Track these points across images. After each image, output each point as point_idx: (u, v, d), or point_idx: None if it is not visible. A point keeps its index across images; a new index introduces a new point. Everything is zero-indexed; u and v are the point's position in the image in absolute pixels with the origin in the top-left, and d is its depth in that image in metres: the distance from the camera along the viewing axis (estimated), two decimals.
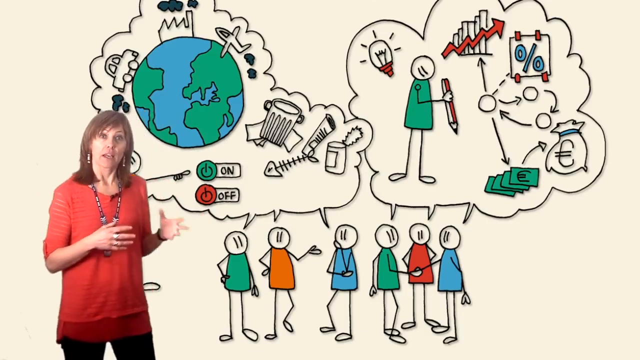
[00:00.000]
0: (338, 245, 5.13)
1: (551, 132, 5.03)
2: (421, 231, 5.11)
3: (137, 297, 3.69)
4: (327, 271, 5.15)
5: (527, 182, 5.05)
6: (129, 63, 5.11)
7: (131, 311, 3.64)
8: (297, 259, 5.14)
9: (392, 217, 5.12)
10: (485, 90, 5.05)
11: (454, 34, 5.05)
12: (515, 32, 5.02)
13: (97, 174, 3.61)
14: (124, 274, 3.62)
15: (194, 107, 5.09)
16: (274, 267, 5.15)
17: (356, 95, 5.09)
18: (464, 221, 5.09)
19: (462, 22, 5.04)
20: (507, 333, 5.08)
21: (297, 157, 5.11)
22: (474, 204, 5.08)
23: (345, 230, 5.12)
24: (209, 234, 5.09)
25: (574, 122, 5.02)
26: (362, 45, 5.07)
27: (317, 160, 5.11)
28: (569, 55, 5.01)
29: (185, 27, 5.10)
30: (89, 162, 3.60)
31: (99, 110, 5.10)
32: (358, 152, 5.10)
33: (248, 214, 5.12)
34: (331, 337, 5.15)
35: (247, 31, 5.09)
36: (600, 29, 4.98)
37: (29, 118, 5.14)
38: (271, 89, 5.10)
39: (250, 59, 5.09)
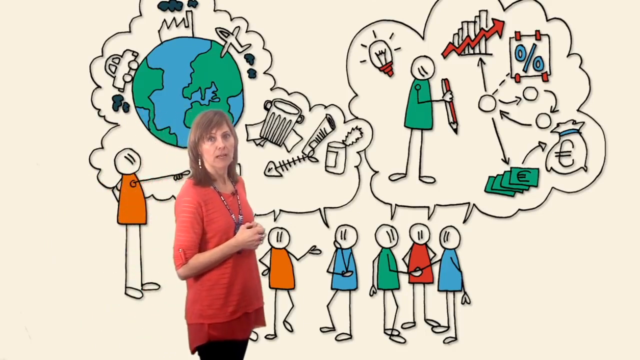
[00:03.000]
0: (338, 245, 5.13)
1: (551, 132, 5.03)
2: (421, 231, 5.11)
3: (261, 289, 3.81)
4: (327, 271, 5.15)
5: (527, 182, 5.05)
6: (129, 63, 5.11)
7: (258, 305, 3.77)
8: (297, 259, 5.14)
9: (392, 217, 5.12)
10: (485, 90, 5.05)
11: (454, 34, 5.04)
12: (515, 32, 5.02)
13: (213, 175, 3.67)
14: (252, 270, 3.71)
15: (194, 107, 5.09)
16: (274, 267, 5.15)
17: (356, 95, 5.09)
18: (464, 221, 5.09)
19: (462, 22, 5.04)
20: (507, 333, 5.08)
21: (297, 157, 5.11)
22: (474, 204, 5.08)
23: (345, 230, 5.12)
24: None
25: (574, 122, 5.02)
26: (362, 45, 5.07)
27: (317, 160, 5.11)
28: (569, 55, 5.00)
29: (185, 27, 5.10)
30: (200, 166, 3.64)
31: (99, 110, 5.12)
32: (358, 152, 5.10)
33: None
34: (331, 337, 5.15)
35: (247, 31, 5.09)
36: (600, 29, 4.98)
37: (29, 118, 5.15)
38: (271, 89, 5.11)
39: (250, 59, 5.09)
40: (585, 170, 5.04)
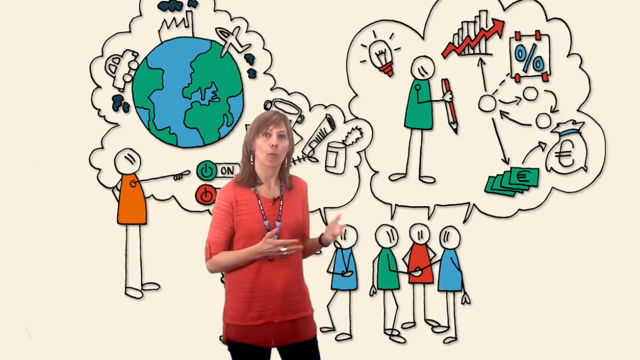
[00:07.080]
0: (338, 245, 5.13)
1: (551, 132, 5.03)
2: (421, 231, 5.11)
3: (300, 301, 3.59)
4: (327, 271, 5.14)
5: (527, 182, 5.05)
6: (129, 63, 5.11)
7: (294, 316, 3.56)
8: None
9: (392, 217, 5.12)
10: (485, 90, 5.05)
11: (454, 34, 5.05)
12: (515, 32, 5.02)
13: (260, 176, 3.56)
14: (287, 278, 3.54)
15: (194, 107, 5.10)
16: None
17: (356, 95, 5.09)
18: (464, 221, 5.09)
19: (462, 22, 5.04)
20: (507, 333, 5.08)
21: (297, 157, 5.10)
22: (474, 204, 5.08)
23: (345, 230, 5.11)
24: None
25: (574, 122, 5.02)
26: (362, 45, 5.07)
27: (317, 160, 5.11)
28: (569, 55, 5.01)
29: (185, 27, 5.10)
30: (251, 163, 3.56)
31: (99, 110, 5.12)
32: (358, 152, 5.10)
33: None
34: (331, 337, 5.15)
35: (247, 31, 5.09)
36: (600, 29, 4.98)
37: (29, 118, 5.15)
38: (271, 89, 5.11)
39: (250, 59, 5.09)
40: (585, 170, 5.04)
